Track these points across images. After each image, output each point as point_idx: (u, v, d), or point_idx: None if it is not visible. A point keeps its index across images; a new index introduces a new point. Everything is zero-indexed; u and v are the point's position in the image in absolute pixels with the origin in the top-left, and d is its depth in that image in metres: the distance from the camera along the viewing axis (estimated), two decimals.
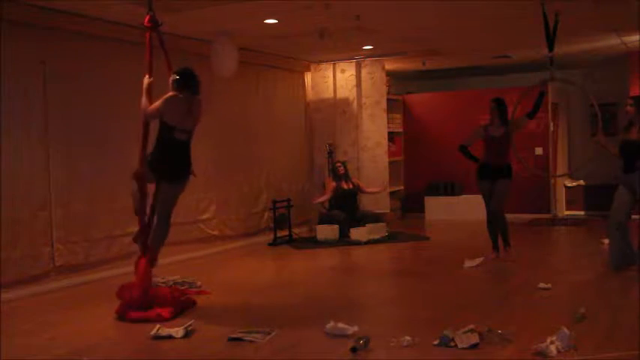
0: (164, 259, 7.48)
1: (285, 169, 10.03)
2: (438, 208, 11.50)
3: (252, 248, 8.86)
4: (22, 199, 6.15)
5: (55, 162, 6.49)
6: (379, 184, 10.11)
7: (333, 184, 9.69)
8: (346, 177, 9.75)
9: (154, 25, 5.41)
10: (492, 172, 7.18)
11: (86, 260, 6.76)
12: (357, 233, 9.01)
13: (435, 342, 4.23)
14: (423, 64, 10.88)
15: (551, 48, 6.71)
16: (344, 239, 9.04)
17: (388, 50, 9.69)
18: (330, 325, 4.55)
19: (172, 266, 7.34)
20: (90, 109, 6.82)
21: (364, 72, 10.61)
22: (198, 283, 6.32)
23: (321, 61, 10.49)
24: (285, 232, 9.28)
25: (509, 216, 7.37)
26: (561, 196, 11.56)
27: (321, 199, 9.60)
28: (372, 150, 10.59)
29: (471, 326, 4.36)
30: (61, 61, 6.55)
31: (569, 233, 9.90)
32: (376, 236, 9.06)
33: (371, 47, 9.37)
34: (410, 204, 12.05)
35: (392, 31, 8.13)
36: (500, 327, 4.38)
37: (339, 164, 9.83)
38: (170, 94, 5.30)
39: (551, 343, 3.98)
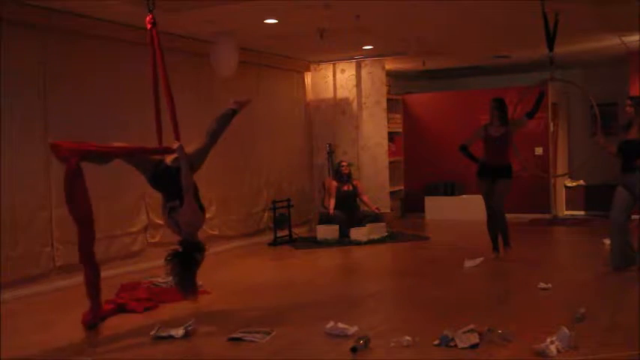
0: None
1: (285, 169, 10.02)
2: (438, 208, 11.49)
3: (252, 248, 8.86)
4: (22, 199, 6.15)
5: (55, 162, 6.47)
6: (377, 205, 9.83)
7: (335, 183, 9.67)
8: (348, 178, 9.74)
9: (154, 24, 5.39)
10: (492, 172, 7.18)
11: None
12: (357, 233, 9.00)
13: (435, 342, 4.24)
14: (423, 64, 10.88)
15: (551, 48, 6.72)
16: (344, 239, 9.04)
17: (388, 50, 9.69)
18: (330, 325, 4.55)
19: None
20: (90, 109, 6.81)
21: (364, 72, 10.59)
22: (199, 283, 6.30)
23: (321, 61, 10.48)
24: (285, 232, 9.27)
25: (509, 216, 7.38)
26: (561, 196, 11.57)
27: (331, 206, 9.45)
28: (372, 150, 10.58)
29: (471, 326, 4.36)
30: (61, 61, 6.54)
31: (569, 233, 9.90)
32: (376, 236, 9.05)
33: (371, 47, 9.37)
34: (410, 204, 12.04)
35: (392, 31, 8.13)
36: (500, 327, 4.38)
37: (344, 164, 9.79)
38: None
39: (551, 343, 3.99)
